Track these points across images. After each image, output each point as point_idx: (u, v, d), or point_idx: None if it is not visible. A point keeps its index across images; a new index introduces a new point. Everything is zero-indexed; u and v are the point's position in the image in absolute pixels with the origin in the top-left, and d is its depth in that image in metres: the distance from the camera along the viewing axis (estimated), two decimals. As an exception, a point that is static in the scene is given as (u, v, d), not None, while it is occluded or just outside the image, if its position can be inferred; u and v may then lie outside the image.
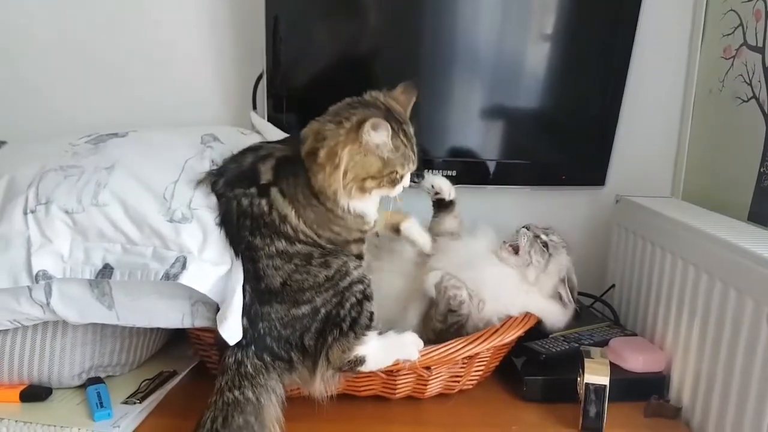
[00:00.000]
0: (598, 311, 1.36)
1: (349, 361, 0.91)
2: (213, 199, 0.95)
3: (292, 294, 0.90)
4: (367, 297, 0.93)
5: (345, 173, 0.89)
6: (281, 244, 0.90)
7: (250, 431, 0.86)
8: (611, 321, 1.28)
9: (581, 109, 1.38)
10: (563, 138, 1.41)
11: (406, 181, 0.96)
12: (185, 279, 0.88)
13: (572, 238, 1.45)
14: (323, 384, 0.92)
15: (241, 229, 0.92)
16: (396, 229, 1.09)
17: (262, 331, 0.90)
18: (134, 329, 1.06)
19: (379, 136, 0.88)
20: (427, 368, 0.99)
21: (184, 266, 0.89)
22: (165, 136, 1.08)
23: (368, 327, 0.92)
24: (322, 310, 0.91)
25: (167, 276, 0.89)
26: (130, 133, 1.06)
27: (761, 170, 1.13)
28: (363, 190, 0.91)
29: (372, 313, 0.93)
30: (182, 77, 1.42)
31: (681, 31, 1.40)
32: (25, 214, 0.92)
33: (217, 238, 0.92)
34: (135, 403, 0.99)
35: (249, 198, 0.92)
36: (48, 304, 0.93)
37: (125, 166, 0.97)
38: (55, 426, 0.93)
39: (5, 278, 0.90)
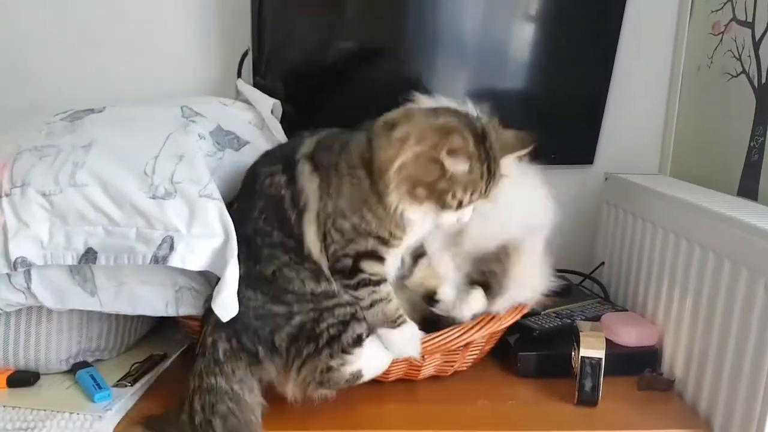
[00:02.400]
0: (588, 289, 1.37)
1: (345, 380, 0.88)
2: (198, 170, 0.91)
3: (276, 288, 0.86)
4: (355, 318, 0.86)
5: (401, 167, 0.79)
6: (281, 233, 0.85)
7: (233, 418, 0.84)
8: (601, 298, 1.29)
9: (570, 87, 1.38)
10: (552, 117, 1.40)
11: (465, 214, 0.84)
12: (175, 261, 0.85)
13: (561, 217, 1.47)
14: (299, 391, 0.88)
15: (253, 210, 0.87)
16: (430, 297, 0.94)
17: (236, 314, 0.85)
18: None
19: (455, 163, 0.78)
20: (421, 356, 0.97)
21: (172, 247, 0.85)
22: (143, 110, 1.04)
23: (350, 348, 0.86)
24: (297, 318, 0.86)
25: (156, 259, 0.85)
26: (107, 108, 1.02)
27: (751, 144, 1.14)
28: (412, 195, 0.80)
29: (360, 335, 0.86)
30: (165, 49, 1.39)
31: (669, 8, 1.40)
32: None
33: (205, 210, 0.87)
34: (126, 385, 0.97)
35: (271, 176, 0.86)
36: (29, 288, 0.90)
37: (103, 144, 0.93)
38: (45, 410, 0.90)
39: None
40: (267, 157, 0.92)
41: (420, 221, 0.84)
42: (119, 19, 1.37)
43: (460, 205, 0.82)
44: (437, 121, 0.80)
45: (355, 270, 0.85)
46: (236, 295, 0.84)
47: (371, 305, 0.87)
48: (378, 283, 0.86)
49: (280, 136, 1.17)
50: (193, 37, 1.39)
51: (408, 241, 0.87)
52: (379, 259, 0.86)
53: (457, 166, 0.79)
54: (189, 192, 0.89)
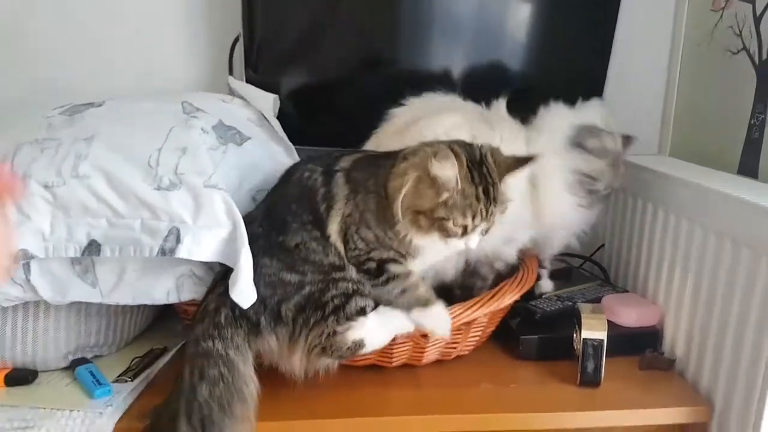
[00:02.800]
0: (588, 271, 1.36)
1: (348, 348, 0.88)
2: (202, 162, 0.91)
3: (295, 259, 0.87)
4: (359, 293, 0.88)
5: (404, 198, 0.83)
6: (310, 216, 0.88)
7: (226, 384, 0.83)
8: (602, 280, 1.29)
9: (569, 68, 1.36)
10: (551, 97, 1.38)
11: (472, 240, 0.86)
12: (182, 252, 0.85)
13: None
14: (302, 362, 0.89)
15: (287, 196, 0.91)
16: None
17: None
18: (120, 307, 1.02)
19: (442, 168, 0.81)
20: (424, 336, 0.97)
21: (178, 239, 0.86)
22: (144, 105, 1.03)
23: (354, 316, 0.88)
24: (307, 288, 0.87)
25: (163, 251, 0.85)
26: (107, 101, 1.02)
27: (752, 122, 1.13)
28: (416, 225, 0.85)
29: (363, 308, 0.88)
30: (154, 41, 1.37)
31: (668, -16, 1.38)
32: None
33: (211, 200, 0.88)
34: (127, 381, 0.96)
35: (311, 172, 0.91)
36: (28, 280, 0.89)
37: (105, 136, 0.93)
38: (45, 408, 0.89)
39: None
40: (307, 161, 0.96)
41: (430, 248, 0.88)
42: (107, 13, 1.35)
43: (465, 231, 0.85)
44: (432, 147, 0.84)
45: (381, 271, 0.89)
46: (253, 281, 0.85)
47: (402, 292, 0.90)
48: (406, 276, 0.90)
49: (282, 133, 1.16)
50: (183, 32, 1.37)
51: (423, 264, 0.92)
52: (402, 263, 0.90)
53: (445, 172, 0.81)
54: (194, 183, 0.89)
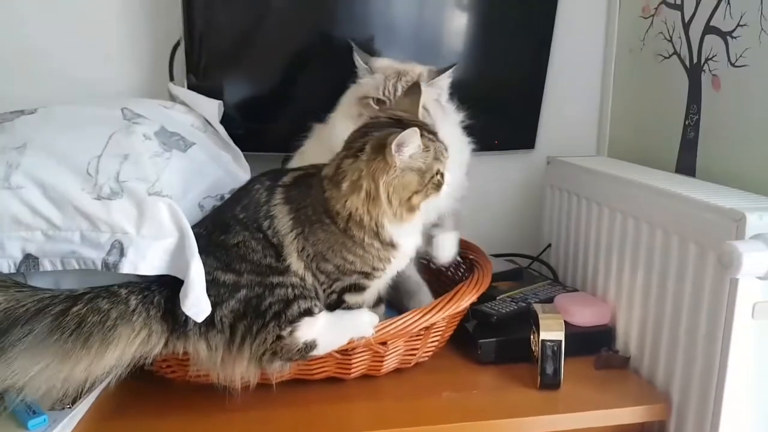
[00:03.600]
0: (536, 271, 1.38)
1: (298, 350, 0.85)
2: (145, 169, 0.86)
3: (233, 257, 0.84)
4: (301, 297, 0.86)
5: (390, 202, 0.83)
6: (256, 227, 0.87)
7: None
8: (551, 279, 1.30)
9: (509, 74, 1.39)
10: (493, 104, 1.40)
11: (449, 177, 0.88)
12: (126, 267, 0.80)
13: (507, 202, 1.49)
14: (250, 370, 0.85)
15: (236, 203, 0.90)
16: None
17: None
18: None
19: (408, 148, 0.81)
20: (383, 343, 0.95)
21: (122, 252, 0.80)
22: (80, 111, 0.96)
23: (298, 318, 0.85)
24: (243, 291, 0.84)
25: (106, 265, 0.80)
26: (39, 109, 0.95)
27: (686, 123, 1.18)
28: (412, 209, 0.84)
29: (309, 309, 0.86)
30: (92, 47, 1.28)
31: (599, -7, 1.43)
32: None
33: (155, 209, 0.83)
34: (65, 408, 0.88)
35: (260, 184, 0.91)
36: None
37: (39, 144, 0.86)
38: (-26, 444, 0.81)
39: None
40: (266, 172, 0.95)
41: (407, 244, 0.89)
42: (41, 16, 1.25)
43: (443, 176, 0.86)
44: (364, 155, 0.83)
45: (339, 302, 0.91)
46: (206, 292, 0.81)
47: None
48: (358, 306, 0.92)
49: (228, 139, 1.12)
50: (122, 37, 1.29)
51: (392, 271, 0.92)
52: (362, 290, 0.91)
53: (411, 149, 0.82)
54: (137, 190, 0.84)
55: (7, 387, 0.75)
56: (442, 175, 0.86)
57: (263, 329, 0.84)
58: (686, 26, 1.18)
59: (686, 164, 1.17)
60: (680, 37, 1.20)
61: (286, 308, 0.84)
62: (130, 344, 0.80)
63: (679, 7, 1.20)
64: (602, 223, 1.15)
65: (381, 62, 1.09)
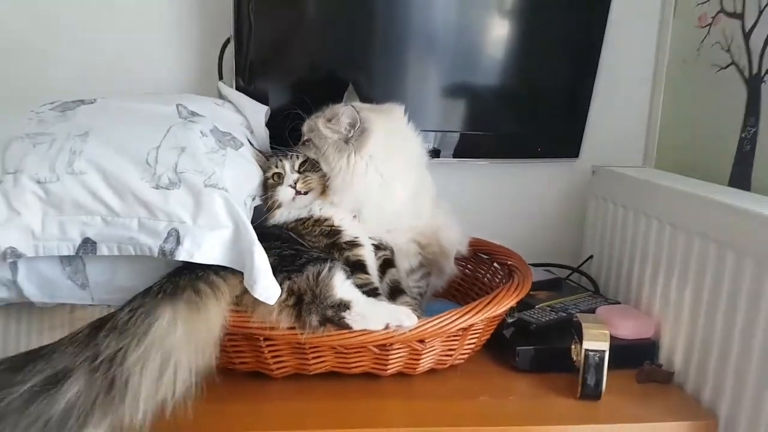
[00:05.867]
0: (574, 282, 1.35)
1: (332, 305, 0.86)
2: (202, 161, 0.87)
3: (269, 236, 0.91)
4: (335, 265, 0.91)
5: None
6: None
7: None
8: (592, 291, 1.27)
9: (556, 82, 1.37)
10: (537, 111, 1.39)
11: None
12: (182, 255, 0.81)
13: (547, 211, 1.46)
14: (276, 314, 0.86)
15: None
16: None
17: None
18: (111, 307, 0.95)
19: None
20: (421, 341, 0.93)
21: (178, 240, 0.81)
22: (136, 104, 0.98)
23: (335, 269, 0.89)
24: (276, 252, 0.89)
25: (163, 253, 0.81)
26: (98, 100, 0.97)
27: (743, 135, 1.14)
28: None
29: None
30: (142, 43, 1.30)
31: (653, 2, 1.40)
32: None
33: (211, 200, 0.84)
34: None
35: None
36: (14, 281, 0.84)
37: (100, 133, 0.88)
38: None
39: None
40: None
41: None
42: (93, 13, 1.27)
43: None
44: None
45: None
46: (273, 276, 0.83)
47: None
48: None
49: (264, 147, 1.12)
50: (172, 35, 1.30)
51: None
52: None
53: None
54: (194, 181, 0.85)
55: None
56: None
57: (304, 268, 0.88)
58: (747, 36, 1.15)
59: (740, 178, 1.13)
60: (739, 47, 1.16)
61: (324, 260, 0.90)
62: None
63: (740, 17, 1.16)
64: (650, 235, 1.12)
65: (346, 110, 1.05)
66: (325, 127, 1.03)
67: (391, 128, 1.05)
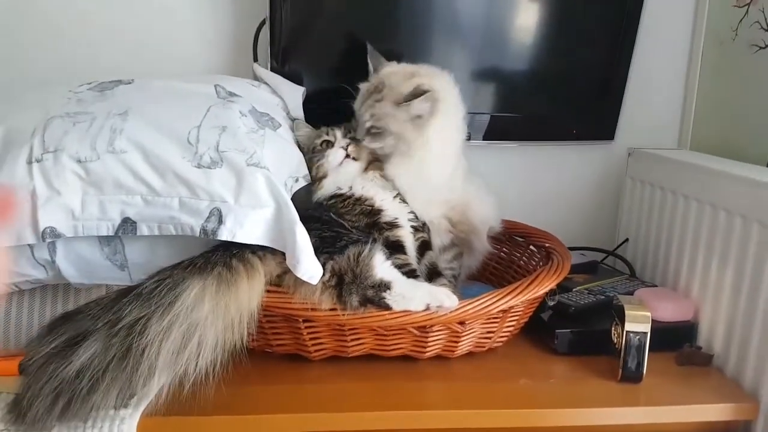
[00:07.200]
0: (609, 265, 1.34)
1: (373, 285, 0.87)
2: (243, 141, 0.87)
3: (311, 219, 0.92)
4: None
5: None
6: None
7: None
8: (628, 274, 1.26)
9: (591, 64, 1.35)
10: (573, 93, 1.37)
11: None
12: (225, 234, 0.81)
13: (581, 194, 1.45)
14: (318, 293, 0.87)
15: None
16: None
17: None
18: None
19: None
20: (461, 323, 0.94)
21: (220, 220, 0.82)
22: (175, 84, 0.98)
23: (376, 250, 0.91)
24: (316, 233, 0.89)
25: (205, 231, 0.81)
26: (136, 80, 0.97)
27: (783, 116, 1.12)
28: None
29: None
30: (176, 26, 1.31)
31: (688, -17, 1.38)
32: (30, 163, 0.82)
33: (253, 179, 0.84)
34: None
35: None
36: (53, 262, 0.84)
37: (140, 112, 0.88)
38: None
39: (7, 235, 0.80)
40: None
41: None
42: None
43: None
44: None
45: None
46: (315, 256, 0.83)
47: None
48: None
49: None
50: (206, 16, 1.30)
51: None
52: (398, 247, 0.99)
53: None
54: (236, 161, 0.85)
55: None
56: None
57: (345, 249, 0.89)
58: (788, 14, 1.12)
59: (782, 159, 1.12)
60: (780, 26, 1.14)
61: (364, 243, 0.90)
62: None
63: (781, -5, 1.14)
64: (689, 217, 1.11)
65: (388, 68, 1.07)
66: (396, 109, 1.00)
67: (449, 95, 1.04)
